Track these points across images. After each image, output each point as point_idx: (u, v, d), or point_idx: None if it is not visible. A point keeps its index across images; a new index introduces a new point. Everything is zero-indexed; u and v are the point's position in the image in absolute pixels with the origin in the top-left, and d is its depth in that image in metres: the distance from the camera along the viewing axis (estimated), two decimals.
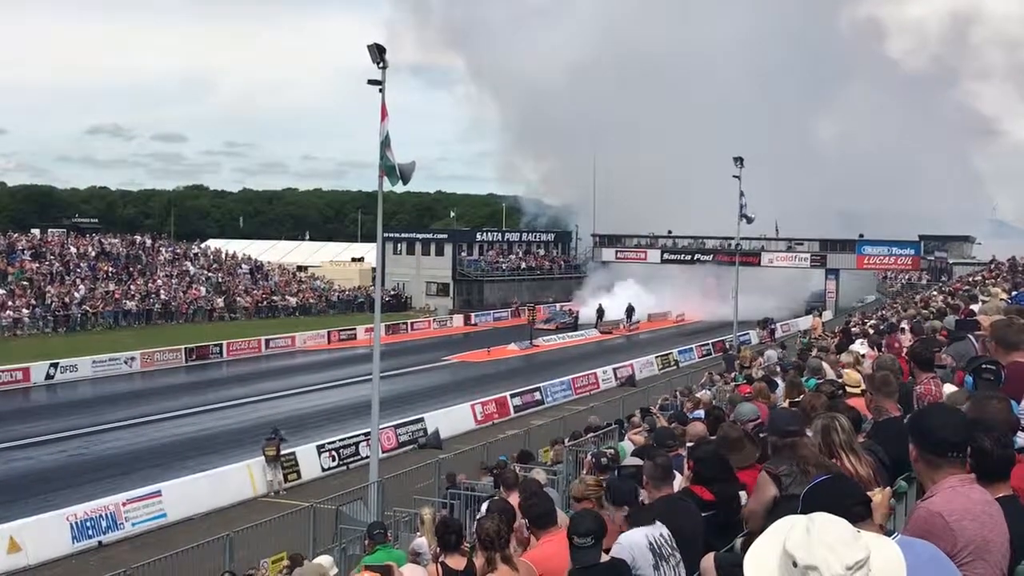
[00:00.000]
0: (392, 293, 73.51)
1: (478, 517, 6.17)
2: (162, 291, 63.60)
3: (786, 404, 9.97)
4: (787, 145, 72.77)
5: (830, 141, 78.18)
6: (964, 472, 3.52)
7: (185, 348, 49.05)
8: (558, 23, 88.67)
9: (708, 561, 4.75)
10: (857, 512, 3.16)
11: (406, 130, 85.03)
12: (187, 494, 23.61)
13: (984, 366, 6.24)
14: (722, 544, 5.51)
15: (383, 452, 26.32)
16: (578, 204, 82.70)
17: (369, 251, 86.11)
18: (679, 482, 7.13)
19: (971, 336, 9.58)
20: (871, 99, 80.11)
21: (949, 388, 7.39)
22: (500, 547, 5.91)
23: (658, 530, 5.54)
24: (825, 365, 12.81)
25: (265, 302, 68.57)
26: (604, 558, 5.28)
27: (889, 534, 3.03)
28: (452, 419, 33.28)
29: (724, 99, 75.20)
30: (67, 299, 57.58)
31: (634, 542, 5.41)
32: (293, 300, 70.43)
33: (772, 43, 78.55)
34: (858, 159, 75.04)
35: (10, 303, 54.94)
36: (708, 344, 53.92)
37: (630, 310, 66.69)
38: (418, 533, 12.41)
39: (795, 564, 2.29)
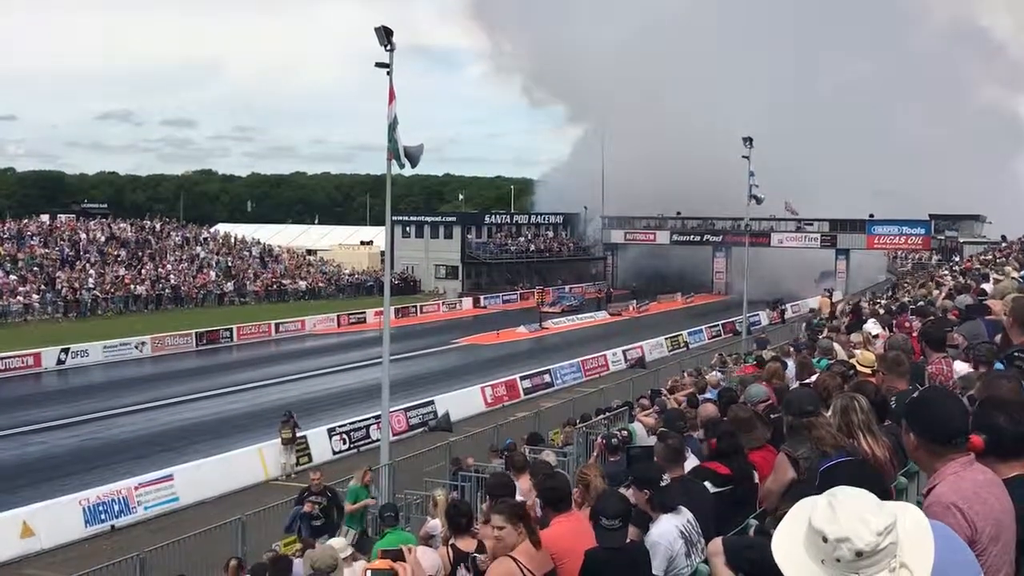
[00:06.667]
0: (401, 276, 73.56)
1: (499, 501, 6.10)
2: (172, 276, 63.75)
3: (797, 385, 9.96)
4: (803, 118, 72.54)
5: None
6: (964, 456, 3.49)
7: (195, 333, 49.22)
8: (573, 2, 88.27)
9: (716, 545, 4.74)
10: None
11: (415, 112, 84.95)
12: (199, 478, 23.72)
13: (1017, 353, 6.16)
14: (738, 519, 5.51)
15: (393, 435, 26.36)
16: (587, 188, 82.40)
17: (378, 234, 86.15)
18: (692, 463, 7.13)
19: (982, 317, 9.54)
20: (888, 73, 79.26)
21: (960, 366, 7.37)
22: (528, 518, 5.79)
23: (684, 516, 5.54)
24: (836, 345, 12.77)
25: (275, 286, 68.70)
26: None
27: None
28: (462, 402, 33.33)
29: (733, 75, 74.93)
30: (77, 284, 57.75)
31: (669, 535, 5.41)
32: (303, 284, 70.53)
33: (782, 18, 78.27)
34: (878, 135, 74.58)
35: (20, 289, 55.13)
36: (718, 325, 53.92)
37: (636, 291, 66.70)
38: (430, 516, 12.45)
39: (825, 539, 2.30)
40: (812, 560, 2.33)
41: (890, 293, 35.65)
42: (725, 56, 77.25)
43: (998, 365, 6.13)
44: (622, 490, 5.90)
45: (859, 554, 2.26)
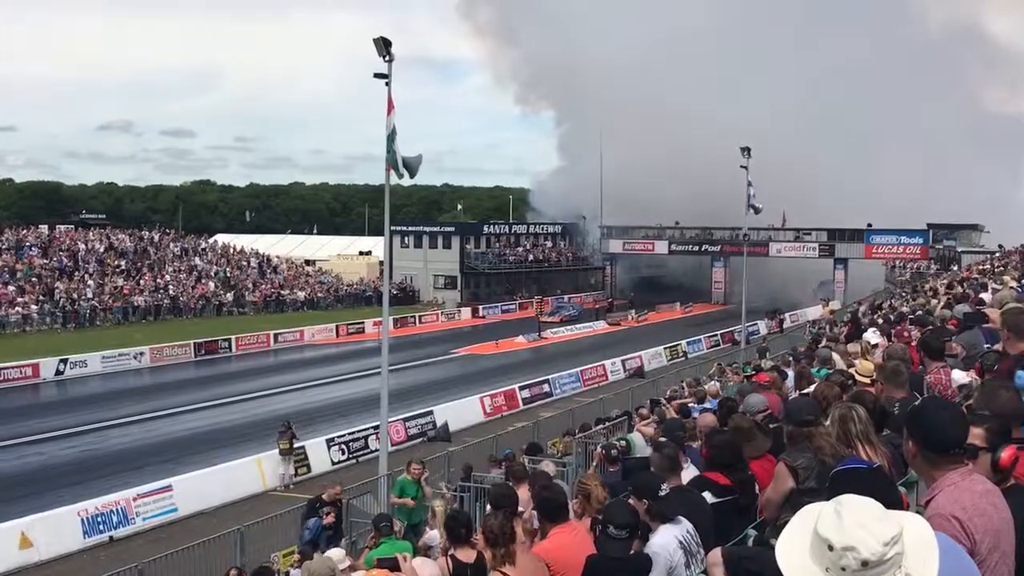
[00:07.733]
0: (400, 286, 73.49)
1: (485, 514, 6.13)
2: (170, 286, 63.71)
3: (796, 395, 9.96)
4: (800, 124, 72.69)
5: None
6: (962, 466, 3.49)
7: (194, 343, 49.17)
8: (570, 9, 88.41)
9: (716, 555, 4.72)
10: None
11: (413, 122, 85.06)
12: (197, 489, 23.67)
13: None
14: (738, 529, 5.50)
15: (392, 445, 26.33)
16: (585, 195, 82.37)
17: (376, 244, 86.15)
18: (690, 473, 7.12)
19: (980, 326, 9.55)
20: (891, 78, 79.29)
21: (958, 376, 7.36)
22: (505, 543, 5.86)
23: (684, 527, 5.53)
24: (835, 355, 12.77)
25: (273, 296, 68.64)
26: None
27: None
28: (461, 412, 33.30)
29: (732, 82, 75.03)
30: (76, 295, 57.70)
31: (668, 546, 5.41)
32: (301, 294, 70.47)
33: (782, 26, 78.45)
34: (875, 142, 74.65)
35: (19, 299, 55.06)
36: (717, 335, 53.88)
37: (633, 300, 66.68)
38: (429, 527, 12.42)
39: (831, 547, 2.29)
40: (816, 566, 2.33)
41: (888, 300, 35.60)
42: (724, 64, 77.35)
43: (1021, 373, 6.06)
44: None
45: (865, 563, 2.26)
